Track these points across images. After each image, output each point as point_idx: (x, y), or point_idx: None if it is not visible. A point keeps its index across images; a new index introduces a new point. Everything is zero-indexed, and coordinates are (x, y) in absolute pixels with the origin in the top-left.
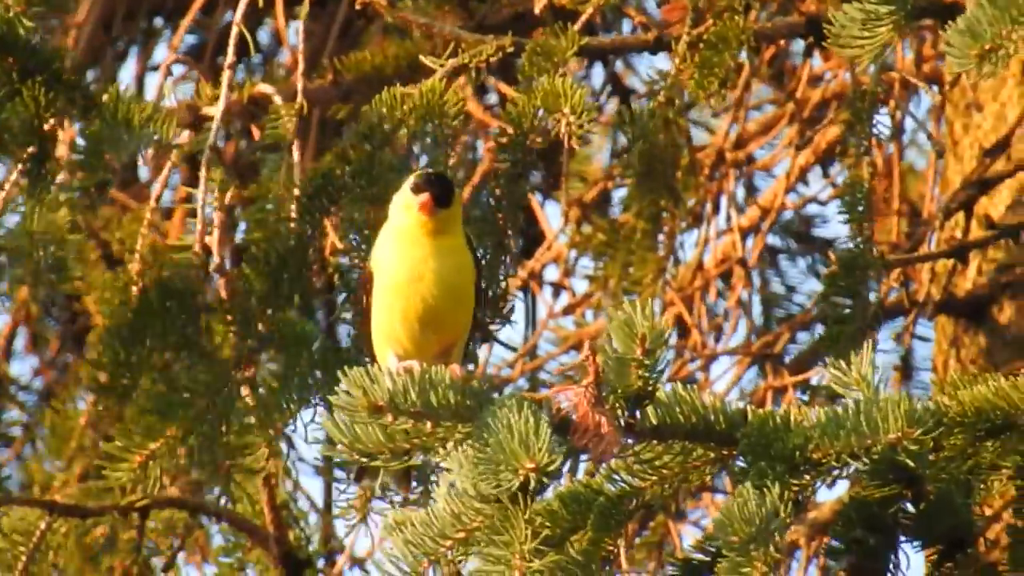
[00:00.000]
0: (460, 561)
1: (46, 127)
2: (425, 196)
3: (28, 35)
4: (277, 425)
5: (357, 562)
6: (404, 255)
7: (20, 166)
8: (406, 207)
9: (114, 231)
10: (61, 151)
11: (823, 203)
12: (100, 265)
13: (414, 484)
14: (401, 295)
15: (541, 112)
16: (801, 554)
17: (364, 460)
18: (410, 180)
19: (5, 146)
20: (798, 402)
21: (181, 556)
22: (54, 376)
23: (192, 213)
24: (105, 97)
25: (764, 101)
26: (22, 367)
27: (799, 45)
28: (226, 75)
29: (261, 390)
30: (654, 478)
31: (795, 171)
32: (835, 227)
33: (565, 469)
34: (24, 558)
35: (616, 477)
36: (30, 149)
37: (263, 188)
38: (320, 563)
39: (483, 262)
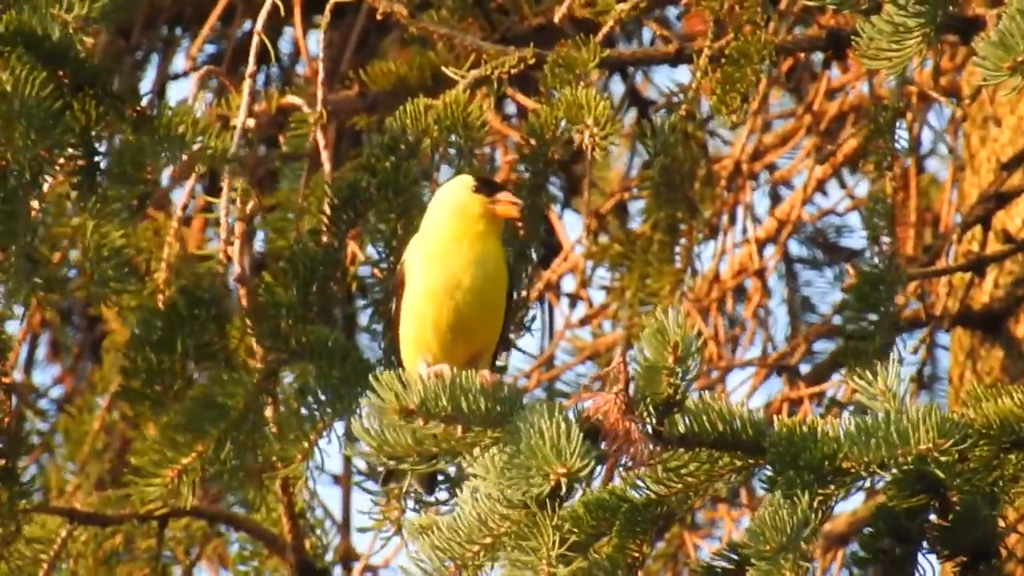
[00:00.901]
0: (485, 566)
1: (96, 140)
2: (506, 195)
3: (81, 50)
4: (312, 437)
5: (372, 570)
6: (441, 263)
7: (69, 179)
8: (462, 210)
9: (136, 242)
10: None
11: (840, 214)
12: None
13: (440, 491)
14: (435, 303)
15: (563, 123)
16: (817, 566)
17: (392, 463)
18: (456, 185)
19: (54, 159)
20: (821, 413)
21: (199, 564)
22: (73, 384)
23: (212, 222)
24: (156, 110)
25: (782, 115)
26: (43, 376)
27: (817, 56)
28: (247, 84)
29: (293, 403)
30: (679, 486)
31: (812, 183)
32: (858, 238)
33: (596, 475)
34: (46, 566)
35: (641, 484)
36: (80, 162)
37: (284, 197)
38: (337, 572)
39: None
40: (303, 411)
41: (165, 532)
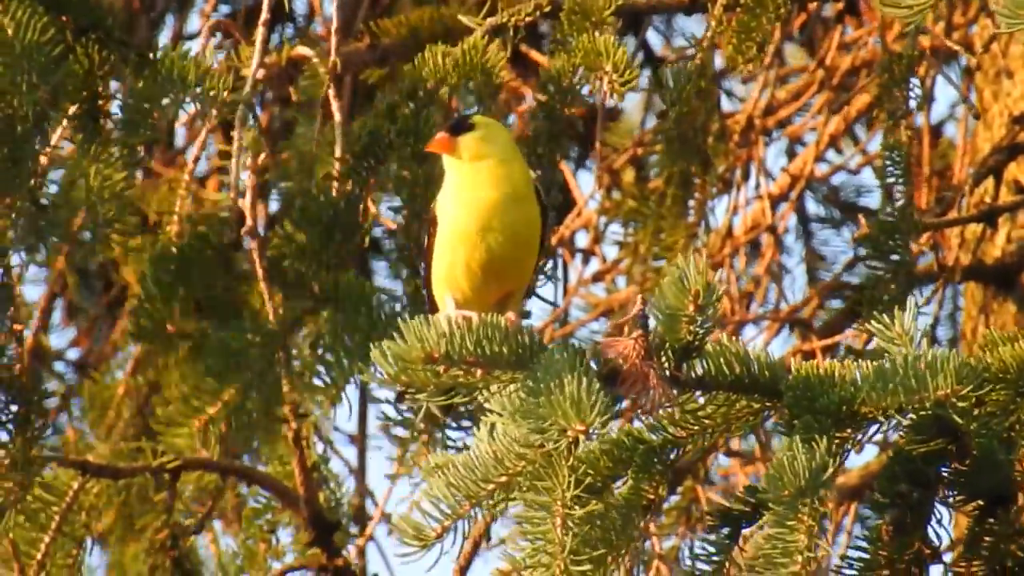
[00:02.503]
0: (500, 506)
1: (99, 84)
2: (437, 136)
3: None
4: (340, 383)
5: (392, 520)
6: (470, 202)
7: (73, 124)
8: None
9: (150, 198)
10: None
11: (854, 171)
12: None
13: (454, 416)
14: (466, 243)
15: (580, 71)
16: (830, 519)
17: (408, 393)
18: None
19: (58, 103)
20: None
21: (212, 518)
22: (90, 347)
23: (226, 172)
24: (159, 54)
25: (794, 69)
26: (59, 339)
27: (828, 11)
28: (260, 32)
29: (319, 350)
30: (696, 428)
31: (825, 138)
32: (875, 198)
33: (614, 425)
34: (57, 517)
35: (658, 427)
36: (84, 107)
37: (297, 146)
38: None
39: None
40: (329, 357)
41: (178, 485)
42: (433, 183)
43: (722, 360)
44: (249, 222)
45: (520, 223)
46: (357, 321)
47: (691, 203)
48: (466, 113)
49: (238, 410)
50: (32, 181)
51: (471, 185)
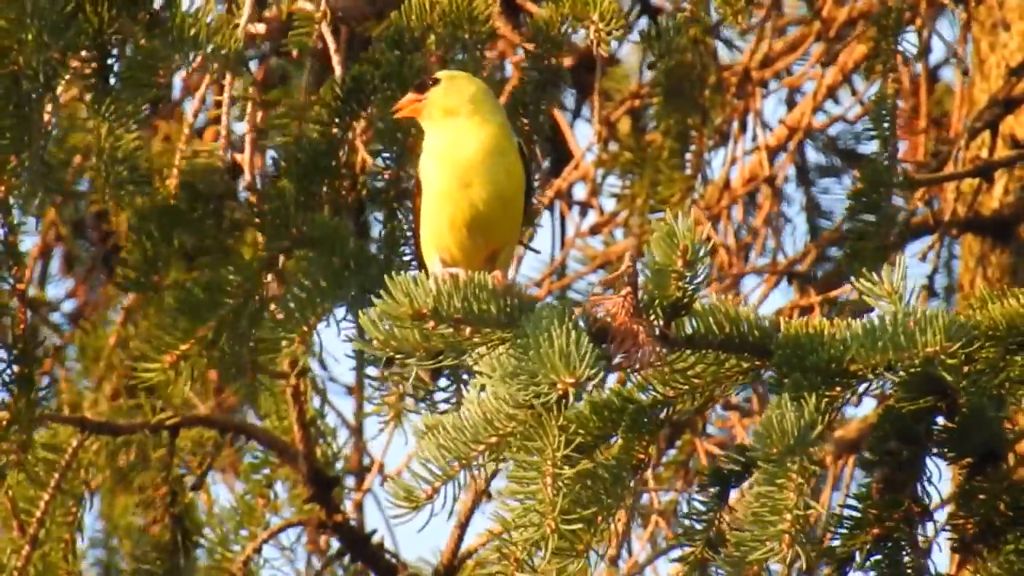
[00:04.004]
0: (491, 467)
1: (109, 43)
2: (399, 101)
3: None
4: (311, 321)
5: (387, 478)
6: (450, 160)
7: (83, 83)
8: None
9: (147, 151)
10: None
11: (851, 122)
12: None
13: (443, 382)
14: (450, 201)
15: (569, 21)
16: (828, 473)
17: (398, 356)
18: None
19: (67, 62)
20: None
21: (211, 474)
22: (85, 297)
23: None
24: (171, 11)
25: (791, 21)
26: (56, 290)
27: None
28: None
29: (294, 288)
30: (685, 387)
31: (822, 90)
32: (865, 144)
33: (604, 383)
34: (56, 475)
35: (647, 386)
36: (93, 65)
37: (289, 96)
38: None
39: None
40: (303, 295)
41: (176, 442)
42: (415, 126)
43: (711, 319)
44: (247, 176)
45: (501, 177)
46: (331, 260)
47: (688, 155)
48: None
49: (211, 346)
50: (41, 140)
51: (447, 142)
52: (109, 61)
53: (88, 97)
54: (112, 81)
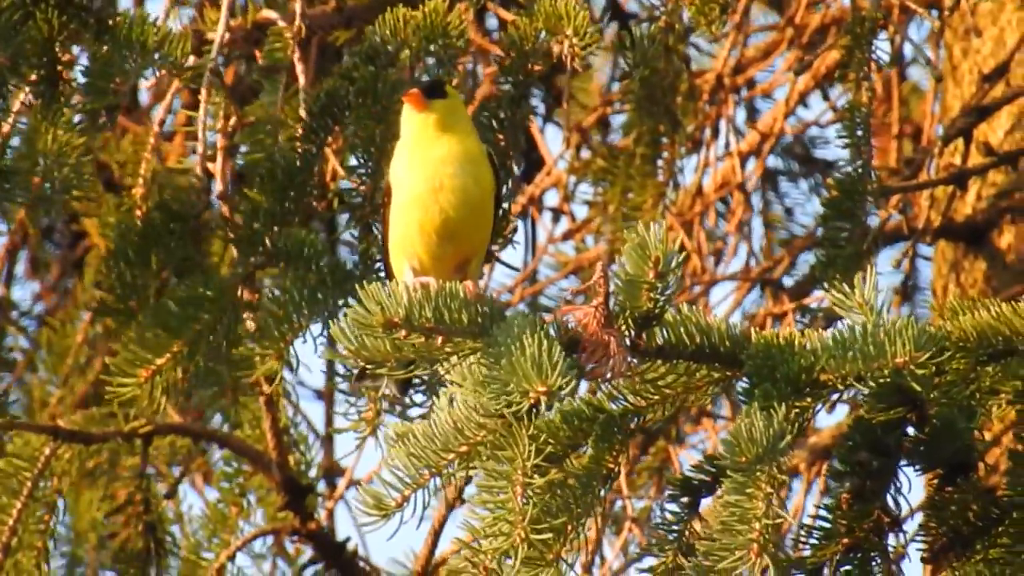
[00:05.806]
0: (462, 476)
1: (58, 50)
2: (412, 90)
3: None
4: (287, 338)
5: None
6: (421, 165)
7: (32, 89)
8: (406, 113)
9: (113, 153)
10: (74, 74)
11: (823, 126)
12: (99, 188)
13: (414, 393)
14: (419, 206)
15: (543, 34)
16: (801, 479)
17: (369, 367)
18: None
19: (18, 69)
20: (800, 325)
21: (184, 482)
22: (54, 300)
23: (193, 137)
24: (118, 19)
25: (763, 28)
26: (23, 293)
27: None
28: None
29: (269, 305)
30: (656, 397)
31: (794, 95)
32: (836, 149)
33: (576, 393)
34: (29, 483)
35: (618, 396)
36: (42, 72)
37: (263, 110)
38: (321, 486)
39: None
40: (279, 312)
41: (150, 450)
42: (390, 141)
43: (682, 330)
44: (220, 186)
45: (471, 183)
46: (307, 276)
47: (660, 162)
48: (441, 79)
49: (186, 361)
50: None
51: (422, 148)
52: (58, 68)
53: (36, 103)
54: (61, 87)
